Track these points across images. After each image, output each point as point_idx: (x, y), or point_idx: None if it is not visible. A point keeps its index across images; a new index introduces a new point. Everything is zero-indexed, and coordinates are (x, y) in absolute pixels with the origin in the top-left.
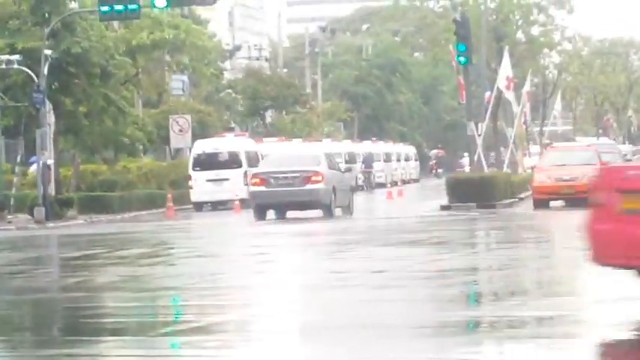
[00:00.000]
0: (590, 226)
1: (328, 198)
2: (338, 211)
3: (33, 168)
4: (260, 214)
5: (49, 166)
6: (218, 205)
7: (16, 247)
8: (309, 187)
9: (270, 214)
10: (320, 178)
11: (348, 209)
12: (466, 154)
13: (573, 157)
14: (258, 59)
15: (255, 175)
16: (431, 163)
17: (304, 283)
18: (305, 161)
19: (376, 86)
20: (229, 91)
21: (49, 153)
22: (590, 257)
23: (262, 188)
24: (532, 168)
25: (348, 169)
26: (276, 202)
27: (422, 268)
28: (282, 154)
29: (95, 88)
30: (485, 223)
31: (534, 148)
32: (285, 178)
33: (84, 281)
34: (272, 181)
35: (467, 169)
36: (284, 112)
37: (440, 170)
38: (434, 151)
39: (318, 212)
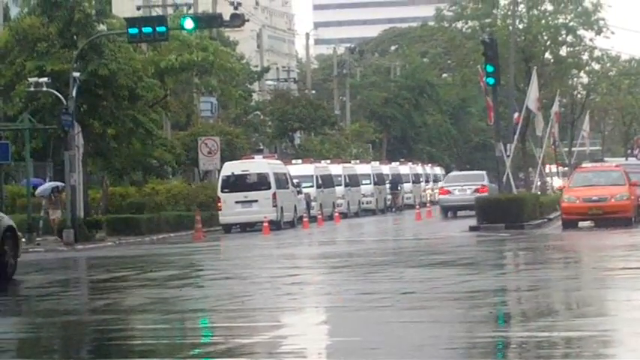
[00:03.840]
0: None
1: None
2: None
3: (37, 192)
4: (445, 213)
5: (59, 189)
6: (247, 227)
7: (44, 269)
8: (477, 195)
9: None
10: (486, 189)
11: None
12: None
13: (602, 177)
14: (286, 81)
15: (442, 188)
16: None
17: (334, 305)
18: (474, 178)
19: (404, 107)
20: (258, 112)
21: (78, 175)
22: None
23: (447, 196)
24: (542, 189)
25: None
26: (455, 205)
27: (451, 289)
28: (458, 174)
29: (123, 111)
30: (513, 244)
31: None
32: (463, 189)
33: (113, 303)
34: (454, 191)
35: None
36: (312, 134)
37: None
38: (452, 173)
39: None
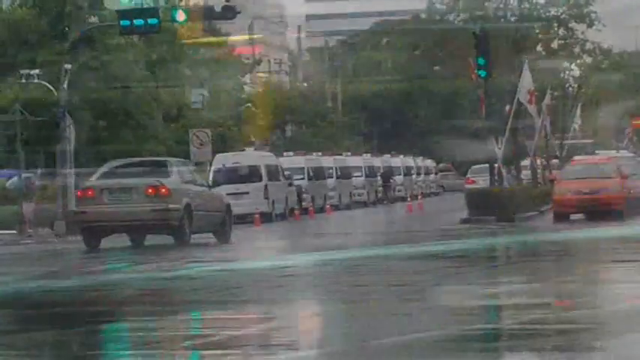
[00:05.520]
0: None
1: None
2: None
3: (9, 183)
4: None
5: (31, 180)
6: (238, 219)
7: (35, 260)
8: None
9: None
10: None
11: None
12: None
13: (593, 170)
14: (278, 73)
15: (468, 178)
16: None
17: (324, 297)
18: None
19: (396, 100)
20: (249, 104)
21: (70, 167)
22: None
23: (472, 185)
24: (534, 182)
25: None
26: None
27: (442, 282)
28: (481, 166)
29: (115, 102)
30: (504, 237)
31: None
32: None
33: (104, 295)
34: (478, 180)
35: None
36: (304, 126)
37: None
38: (440, 165)
39: None
